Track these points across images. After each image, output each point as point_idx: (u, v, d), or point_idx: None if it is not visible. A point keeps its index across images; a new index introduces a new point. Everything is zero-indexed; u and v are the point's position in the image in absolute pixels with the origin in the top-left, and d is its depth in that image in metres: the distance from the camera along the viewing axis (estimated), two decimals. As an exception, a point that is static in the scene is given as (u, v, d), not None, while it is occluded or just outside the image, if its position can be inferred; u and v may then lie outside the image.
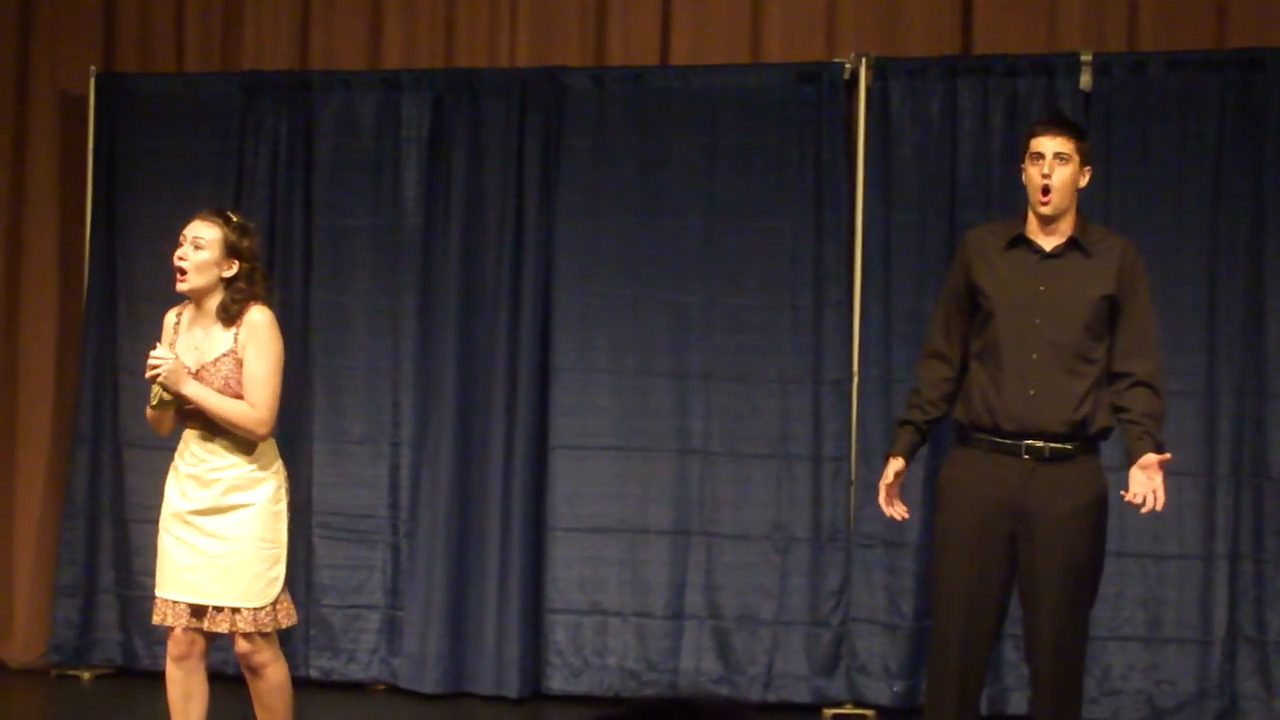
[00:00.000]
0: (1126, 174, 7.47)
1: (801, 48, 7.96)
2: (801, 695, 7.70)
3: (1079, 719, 5.56)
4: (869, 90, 7.70)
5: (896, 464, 5.59)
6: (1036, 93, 7.53)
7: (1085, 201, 7.42)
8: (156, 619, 5.78)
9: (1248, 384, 7.36)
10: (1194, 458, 7.36)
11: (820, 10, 7.97)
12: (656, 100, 7.92)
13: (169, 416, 5.74)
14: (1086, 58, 7.49)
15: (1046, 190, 5.43)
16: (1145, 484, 5.31)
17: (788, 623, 7.72)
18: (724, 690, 7.70)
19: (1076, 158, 5.47)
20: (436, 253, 8.03)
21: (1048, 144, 5.46)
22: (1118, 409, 5.42)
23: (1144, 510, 5.35)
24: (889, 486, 5.59)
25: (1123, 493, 5.37)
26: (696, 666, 7.77)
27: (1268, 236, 7.37)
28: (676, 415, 7.83)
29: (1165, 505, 7.41)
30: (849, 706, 7.67)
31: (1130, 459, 5.39)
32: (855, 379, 7.67)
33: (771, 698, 7.68)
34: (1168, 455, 5.35)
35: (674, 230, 7.86)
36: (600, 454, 7.87)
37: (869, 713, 7.64)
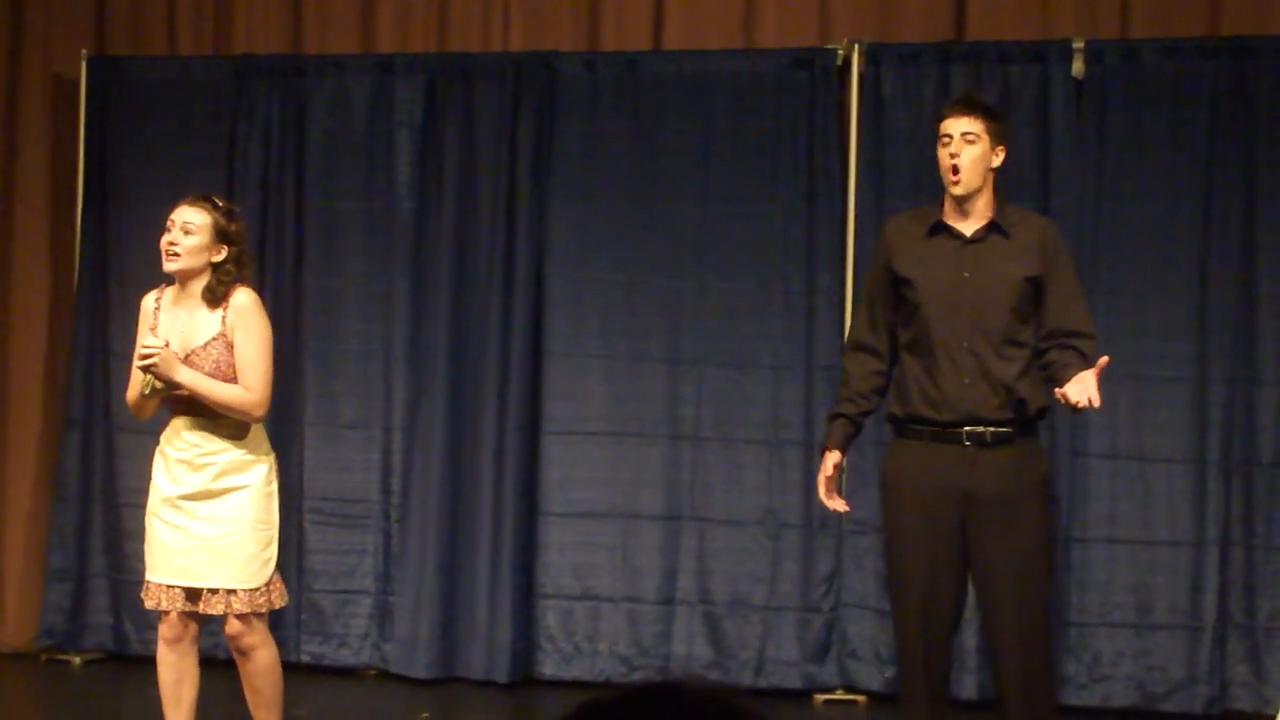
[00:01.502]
0: (1118, 161, 7.47)
1: (795, 33, 7.96)
2: (793, 681, 7.71)
3: (1054, 701, 5.57)
4: (862, 76, 7.70)
5: (835, 457, 5.56)
6: (1029, 79, 7.53)
7: (1079, 186, 7.46)
8: (150, 603, 5.78)
9: (1239, 371, 7.37)
10: (1184, 444, 7.38)
11: (813, -4, 7.98)
12: (649, 85, 7.92)
13: (154, 402, 5.72)
14: (1079, 45, 7.49)
15: (956, 170, 5.42)
16: (1081, 391, 5.19)
17: (779, 608, 7.72)
18: (715, 676, 7.71)
19: (986, 137, 5.44)
20: (429, 237, 8.03)
21: (954, 125, 5.45)
22: (1043, 367, 5.39)
23: (1080, 407, 5.21)
24: (829, 479, 5.57)
25: (1058, 391, 5.26)
26: (688, 652, 7.78)
27: (1259, 224, 7.37)
28: (668, 400, 7.84)
29: (1156, 492, 7.46)
30: (840, 692, 7.68)
31: (1059, 385, 5.27)
32: (847, 365, 7.66)
33: (763, 683, 7.69)
34: (1105, 358, 5.24)
35: (666, 215, 7.86)
36: (592, 439, 7.88)
37: (860, 698, 7.65)
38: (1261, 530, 7.36)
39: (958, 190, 5.43)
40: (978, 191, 5.45)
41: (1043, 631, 5.49)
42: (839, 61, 7.74)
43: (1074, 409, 5.25)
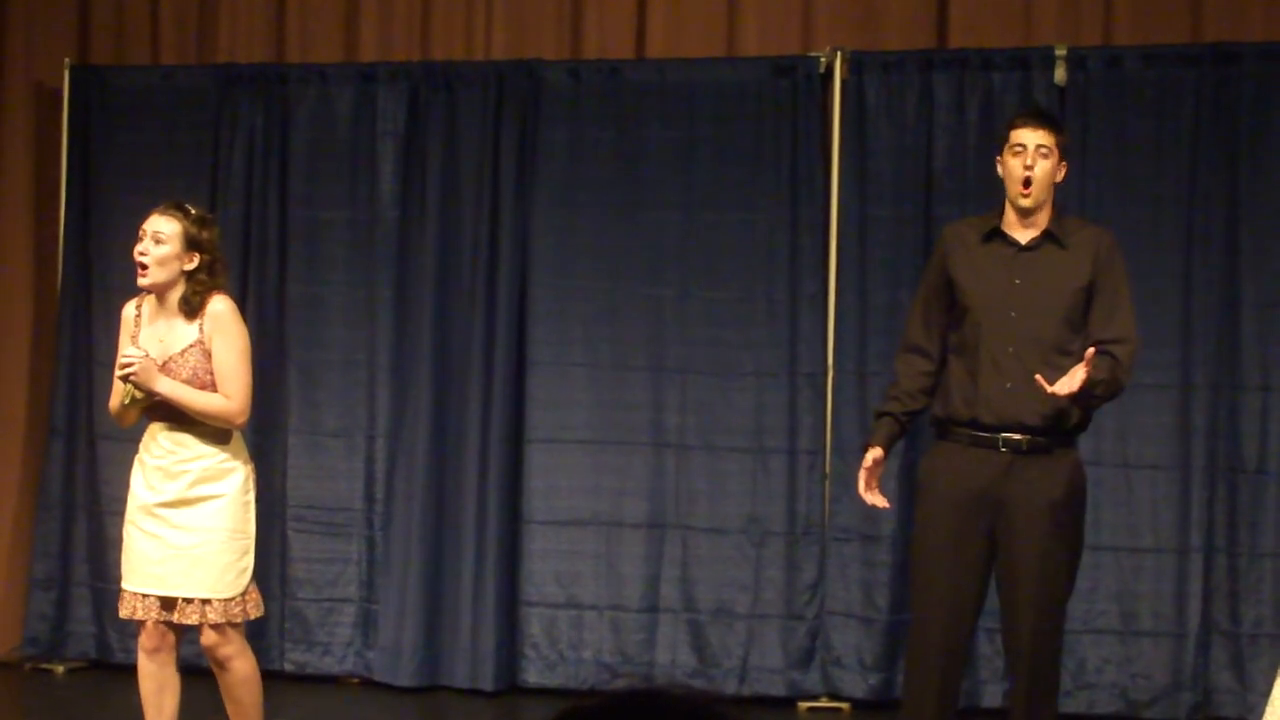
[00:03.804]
0: (1102, 168, 7.48)
1: (777, 41, 7.97)
2: (777, 688, 7.70)
3: (1055, 710, 5.59)
4: (844, 84, 7.70)
5: (876, 453, 5.60)
6: (1012, 87, 7.54)
7: (1061, 194, 7.47)
8: (125, 612, 5.77)
9: (1222, 377, 7.38)
10: (1168, 451, 7.38)
11: (796, 3, 7.98)
12: (632, 93, 7.92)
13: (135, 410, 5.72)
14: (1062, 52, 7.50)
15: (1028, 183, 5.46)
16: (1066, 380, 5.27)
17: (763, 616, 7.72)
18: (699, 683, 7.71)
19: (1056, 151, 5.50)
20: (412, 246, 8.02)
21: (1029, 136, 5.49)
22: None
23: (1049, 389, 5.26)
24: (868, 471, 5.59)
25: (1037, 376, 5.31)
26: (672, 660, 7.78)
27: (1242, 230, 7.38)
28: (652, 408, 7.83)
29: (1140, 499, 7.48)
30: (824, 699, 7.67)
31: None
32: (830, 372, 7.67)
33: (746, 691, 7.68)
34: (1091, 349, 5.28)
35: (650, 223, 7.86)
36: (576, 447, 7.87)
37: (844, 706, 7.65)
38: (1245, 537, 7.37)
39: (1028, 203, 5.48)
40: (1042, 204, 5.50)
41: (1055, 641, 5.52)
42: (821, 69, 7.74)
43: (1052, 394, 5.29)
